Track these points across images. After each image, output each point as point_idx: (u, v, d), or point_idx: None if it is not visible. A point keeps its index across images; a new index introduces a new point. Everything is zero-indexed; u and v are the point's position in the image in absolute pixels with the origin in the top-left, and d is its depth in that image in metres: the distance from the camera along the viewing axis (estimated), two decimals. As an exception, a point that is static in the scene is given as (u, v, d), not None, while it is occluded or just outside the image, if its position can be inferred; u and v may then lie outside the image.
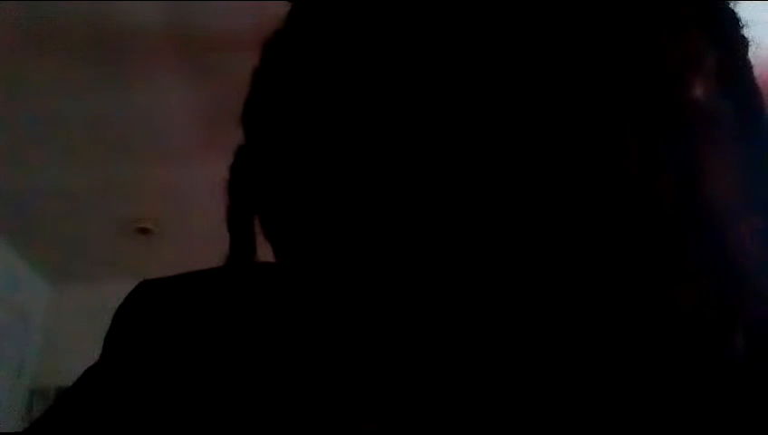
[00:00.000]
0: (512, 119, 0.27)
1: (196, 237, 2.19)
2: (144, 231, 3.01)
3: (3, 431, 2.73)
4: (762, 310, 0.28)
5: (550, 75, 0.28)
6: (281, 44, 0.36)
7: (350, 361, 0.30)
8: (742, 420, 0.27)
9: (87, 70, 2.19)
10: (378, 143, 0.29)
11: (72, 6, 1.97)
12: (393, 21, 0.30)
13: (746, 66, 0.34)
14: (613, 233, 0.26)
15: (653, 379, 0.26)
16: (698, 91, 0.30)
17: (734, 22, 0.34)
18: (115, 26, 2.04)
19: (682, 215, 0.27)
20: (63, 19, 2.00)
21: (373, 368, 0.29)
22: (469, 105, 0.28)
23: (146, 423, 0.31)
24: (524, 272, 0.27)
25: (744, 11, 0.34)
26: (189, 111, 2.35)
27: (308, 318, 0.31)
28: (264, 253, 0.38)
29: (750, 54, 0.34)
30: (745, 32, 0.34)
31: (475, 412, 0.27)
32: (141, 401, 0.32)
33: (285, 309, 0.33)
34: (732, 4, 0.34)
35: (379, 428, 0.29)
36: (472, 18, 0.29)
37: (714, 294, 0.27)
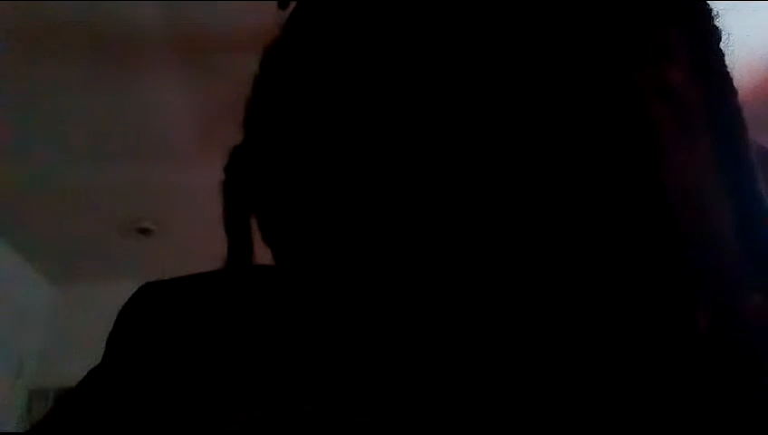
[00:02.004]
0: (502, 115, 0.28)
1: (196, 237, 2.19)
2: (144, 231, 3.02)
3: (3, 431, 2.73)
4: (727, 293, 0.29)
5: (534, 70, 0.28)
6: (280, 50, 0.36)
7: (347, 361, 0.30)
8: (701, 398, 0.27)
9: (87, 70, 2.19)
10: (375, 146, 0.29)
11: (72, 6, 1.97)
12: (389, 27, 0.30)
13: (719, 55, 0.34)
14: (586, 217, 0.27)
15: (625, 356, 0.26)
16: (672, 79, 0.30)
17: (705, 12, 0.35)
18: (115, 26, 2.04)
19: (652, 197, 0.28)
20: (63, 19, 2.01)
21: (369, 368, 0.29)
22: (461, 106, 0.28)
23: (148, 425, 0.31)
24: (511, 266, 0.27)
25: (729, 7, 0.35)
26: (189, 111, 2.36)
27: (306, 320, 0.32)
28: (264, 254, 0.38)
29: (722, 44, 0.35)
30: (718, 22, 0.35)
31: (471, 410, 0.27)
32: (144, 404, 0.32)
33: (284, 311, 0.33)
34: None
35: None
36: (461, 22, 0.29)
37: (678, 275, 0.27)
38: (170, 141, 2.50)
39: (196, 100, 2.30)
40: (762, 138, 0.35)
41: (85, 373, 0.36)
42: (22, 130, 2.43)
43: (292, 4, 0.37)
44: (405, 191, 0.29)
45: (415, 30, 0.30)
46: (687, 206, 0.29)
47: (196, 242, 2.12)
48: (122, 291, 0.46)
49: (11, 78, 2.20)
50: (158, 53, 2.13)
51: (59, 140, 2.48)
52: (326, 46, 0.32)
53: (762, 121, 0.37)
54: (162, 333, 0.35)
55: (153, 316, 0.36)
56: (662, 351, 0.27)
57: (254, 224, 0.38)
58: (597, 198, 0.27)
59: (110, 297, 0.94)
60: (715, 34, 0.34)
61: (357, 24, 0.31)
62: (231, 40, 2.04)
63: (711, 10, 0.35)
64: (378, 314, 0.29)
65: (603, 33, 0.29)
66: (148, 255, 2.98)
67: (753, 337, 0.29)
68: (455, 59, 0.29)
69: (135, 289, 0.38)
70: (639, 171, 0.28)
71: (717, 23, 0.35)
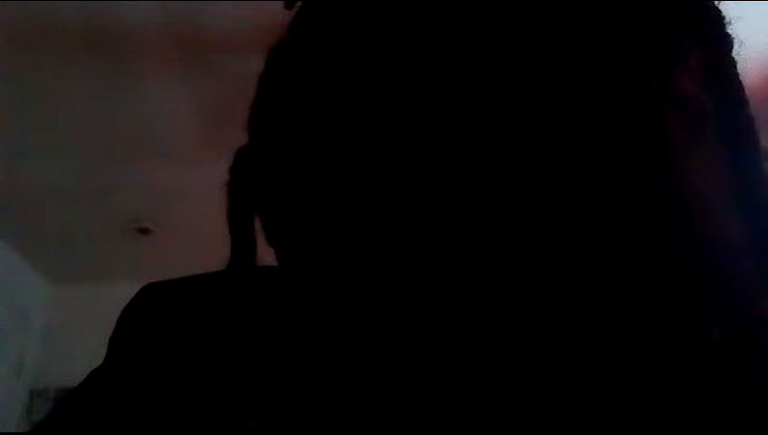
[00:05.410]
0: (506, 120, 0.28)
1: (196, 237, 2.19)
2: (144, 231, 3.02)
3: (3, 431, 2.73)
4: (740, 302, 0.29)
5: (544, 75, 0.28)
6: (286, 51, 0.36)
7: (348, 362, 0.30)
8: (716, 410, 0.27)
9: (87, 70, 2.19)
10: (381, 148, 0.29)
11: (72, 6, 1.97)
12: (394, 28, 0.30)
13: (731, 63, 0.34)
14: (598, 225, 0.27)
15: (636, 369, 0.26)
16: (684, 87, 0.30)
17: (718, 20, 0.34)
18: (115, 26, 2.04)
19: (663, 205, 0.28)
20: (63, 19, 2.01)
21: (371, 370, 0.29)
22: (465, 109, 0.28)
23: (150, 426, 0.31)
24: (518, 269, 0.27)
25: (731, 9, 0.35)
26: (189, 111, 2.36)
27: (308, 322, 0.32)
28: (265, 254, 0.38)
29: (734, 52, 0.34)
30: (730, 29, 0.34)
31: (471, 415, 0.27)
32: (146, 405, 0.32)
33: (287, 313, 0.33)
34: (717, 3, 0.35)
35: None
36: (469, 27, 0.29)
37: (690, 286, 0.27)
38: (170, 141, 2.50)
39: (196, 100, 2.30)
40: (762, 138, 0.35)
41: (86, 373, 0.36)
42: (22, 131, 2.43)
43: (298, 5, 0.37)
44: (409, 194, 0.28)
45: (423, 32, 0.30)
46: (698, 212, 0.29)
47: (196, 242, 2.12)
48: (122, 291, 0.46)
49: (11, 78, 2.20)
50: (158, 53, 2.13)
51: (59, 140, 2.48)
52: (332, 47, 0.32)
53: (763, 122, 0.37)
54: (164, 335, 0.35)
55: (155, 317, 0.36)
56: (675, 363, 0.26)
57: (257, 224, 0.38)
58: (606, 204, 0.27)
59: (110, 297, 0.94)
60: (727, 42, 0.34)
61: (363, 26, 0.31)
62: (231, 40, 2.03)
63: (723, 17, 0.34)
64: (380, 316, 0.29)
65: (614, 38, 0.29)
66: (148, 255, 2.98)
67: (765, 344, 0.28)
68: (462, 63, 0.29)
69: (135, 289, 0.38)
70: (650, 176, 0.28)
71: (729, 30, 0.34)
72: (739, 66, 0.34)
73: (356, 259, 0.30)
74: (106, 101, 2.32)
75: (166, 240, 3.03)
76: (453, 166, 0.28)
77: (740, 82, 0.34)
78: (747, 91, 0.34)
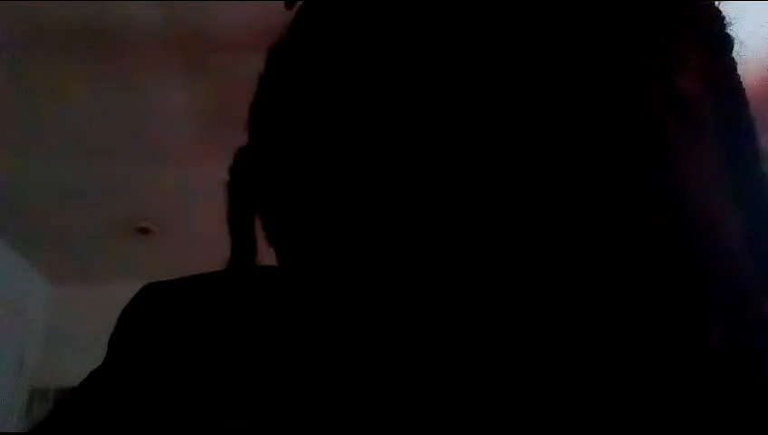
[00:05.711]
0: (507, 120, 0.28)
1: (196, 237, 2.19)
2: (144, 231, 3.02)
3: (3, 432, 2.73)
4: (740, 303, 0.29)
5: (545, 74, 0.28)
6: (287, 50, 0.36)
7: (349, 363, 0.30)
8: (716, 412, 0.27)
9: (87, 70, 2.19)
10: (381, 148, 0.29)
11: (72, 6, 1.97)
12: (394, 28, 0.30)
13: (731, 64, 0.34)
14: (598, 225, 0.27)
15: (635, 370, 0.26)
16: (684, 87, 0.30)
17: (718, 20, 0.34)
18: (115, 26, 2.04)
19: (663, 205, 0.28)
20: (63, 19, 2.01)
21: (371, 371, 0.29)
22: (466, 109, 0.28)
23: (150, 427, 0.31)
24: (518, 269, 0.27)
25: (731, 9, 0.35)
26: (189, 111, 2.36)
27: (309, 322, 0.32)
28: (265, 254, 0.38)
29: (734, 52, 0.34)
30: (730, 30, 0.34)
31: (471, 415, 0.27)
32: (146, 405, 0.32)
33: (288, 313, 0.33)
34: (717, 3, 0.35)
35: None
36: (469, 29, 0.29)
37: (688, 286, 0.27)
38: (170, 141, 2.50)
39: (196, 100, 2.30)
40: (762, 138, 0.35)
41: (85, 373, 0.36)
42: (22, 130, 2.43)
43: (298, 4, 0.37)
44: (409, 194, 0.29)
45: (422, 33, 0.30)
46: (698, 212, 0.29)
47: (195, 242, 2.12)
48: (122, 291, 0.46)
49: (11, 78, 2.20)
50: (158, 53, 2.13)
51: (59, 140, 2.48)
52: (332, 47, 0.32)
53: (763, 122, 0.37)
54: (165, 335, 0.35)
55: (156, 317, 0.36)
56: (675, 364, 0.26)
57: (257, 224, 0.38)
58: (606, 203, 0.27)
59: (110, 297, 0.94)
60: (727, 42, 0.34)
61: (363, 26, 0.31)
62: (231, 40, 2.04)
63: (723, 18, 0.34)
64: (380, 316, 0.29)
65: (615, 39, 0.29)
66: (148, 255, 2.98)
67: (765, 345, 0.28)
68: (462, 64, 0.29)
69: (135, 289, 0.38)
70: (650, 176, 0.28)
71: (729, 30, 0.34)
72: (739, 66, 0.34)
73: (356, 259, 0.30)
74: (106, 100, 2.32)
75: (166, 240, 3.03)
76: (452, 166, 0.28)
77: (740, 82, 0.34)
78: (747, 92, 0.35)
